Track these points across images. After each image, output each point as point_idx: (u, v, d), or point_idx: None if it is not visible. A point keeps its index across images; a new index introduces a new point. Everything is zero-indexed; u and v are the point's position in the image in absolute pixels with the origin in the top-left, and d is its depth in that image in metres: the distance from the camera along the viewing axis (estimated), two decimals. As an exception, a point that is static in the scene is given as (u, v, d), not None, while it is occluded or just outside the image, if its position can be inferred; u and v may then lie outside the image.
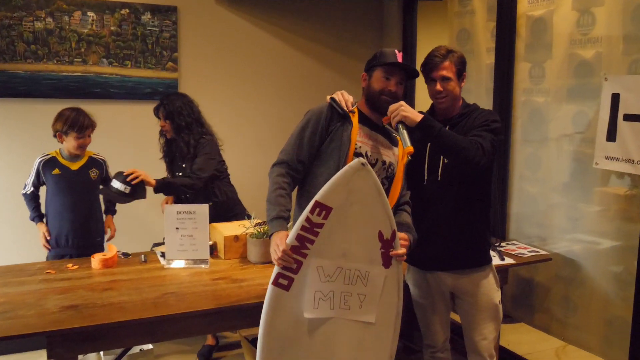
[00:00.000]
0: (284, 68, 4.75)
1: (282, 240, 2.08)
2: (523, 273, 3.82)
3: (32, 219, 3.28)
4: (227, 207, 3.54)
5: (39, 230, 3.22)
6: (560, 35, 3.45)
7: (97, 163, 3.32)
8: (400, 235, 2.21)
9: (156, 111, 3.50)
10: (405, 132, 2.22)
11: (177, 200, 3.54)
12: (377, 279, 2.14)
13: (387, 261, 2.15)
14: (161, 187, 3.19)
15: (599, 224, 3.31)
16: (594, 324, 3.37)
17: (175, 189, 3.33)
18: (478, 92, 4.00)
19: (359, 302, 2.14)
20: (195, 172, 3.30)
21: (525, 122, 3.74)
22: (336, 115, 2.34)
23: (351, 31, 4.92)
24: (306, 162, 2.34)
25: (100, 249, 3.27)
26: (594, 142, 3.09)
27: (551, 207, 3.62)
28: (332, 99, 2.38)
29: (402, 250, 2.18)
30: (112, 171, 3.30)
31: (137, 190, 3.06)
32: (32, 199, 3.27)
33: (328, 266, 2.09)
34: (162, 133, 3.55)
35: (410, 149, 2.18)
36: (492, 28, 3.87)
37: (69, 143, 3.15)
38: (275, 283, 2.06)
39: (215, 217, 3.24)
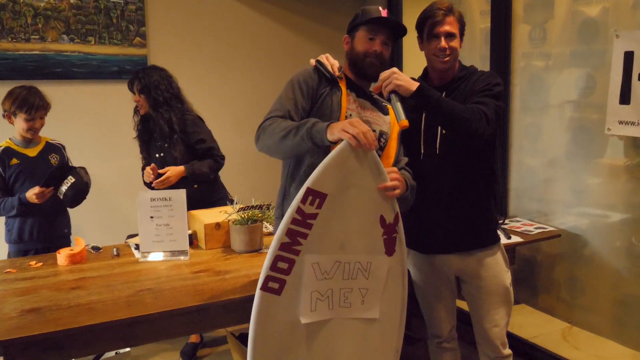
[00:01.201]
0: (260, 40, 4.68)
1: (352, 120, 1.81)
2: (524, 251, 3.70)
3: (20, 199, 2.91)
4: (210, 191, 3.41)
5: (32, 193, 2.86)
6: (563, -8, 3.33)
7: (55, 148, 3.13)
8: (389, 169, 1.94)
9: (130, 85, 3.32)
10: (398, 104, 2.04)
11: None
12: (379, 269, 1.95)
13: (390, 248, 1.95)
14: (191, 175, 3.22)
15: (607, 196, 3.19)
16: (604, 304, 3.26)
17: (201, 176, 3.28)
18: (471, 58, 3.86)
19: (361, 297, 1.95)
20: (214, 153, 3.31)
21: (525, 89, 3.62)
22: (324, 80, 2.15)
23: (330, -1, 4.77)
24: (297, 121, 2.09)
25: (68, 242, 3.14)
26: (603, 106, 2.97)
27: (553, 180, 3.50)
28: (318, 61, 2.19)
29: (392, 183, 1.89)
30: (72, 157, 3.16)
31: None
32: (2, 201, 2.96)
33: (325, 262, 1.86)
34: (136, 110, 3.37)
35: (405, 122, 1.99)
36: (487, -11, 3.77)
37: (18, 125, 2.96)
38: (264, 288, 1.82)
39: (198, 201, 3.13)
